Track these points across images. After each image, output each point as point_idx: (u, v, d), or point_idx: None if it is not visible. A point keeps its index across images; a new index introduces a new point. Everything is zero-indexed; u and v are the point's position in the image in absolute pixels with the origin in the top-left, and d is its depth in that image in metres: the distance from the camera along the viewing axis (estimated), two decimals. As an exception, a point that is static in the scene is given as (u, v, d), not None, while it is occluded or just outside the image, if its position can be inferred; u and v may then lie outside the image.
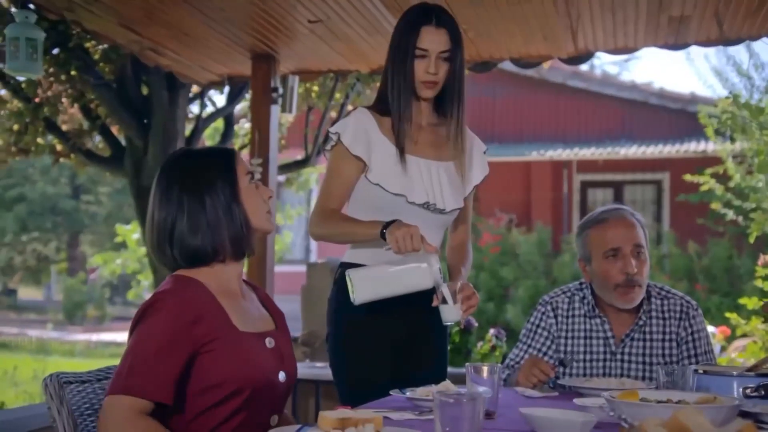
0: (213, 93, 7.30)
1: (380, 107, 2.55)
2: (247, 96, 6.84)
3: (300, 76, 5.45)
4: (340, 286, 2.50)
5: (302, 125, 7.75)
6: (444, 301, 2.25)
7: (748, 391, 2.06)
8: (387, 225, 2.30)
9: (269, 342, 2.02)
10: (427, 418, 1.88)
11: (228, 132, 7.28)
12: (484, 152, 2.74)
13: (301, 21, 4.37)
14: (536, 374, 2.44)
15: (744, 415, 1.85)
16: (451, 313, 2.27)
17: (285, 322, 2.15)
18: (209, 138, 8.95)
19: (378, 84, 2.85)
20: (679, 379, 2.18)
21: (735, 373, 2.18)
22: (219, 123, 7.81)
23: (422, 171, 2.51)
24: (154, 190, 2.00)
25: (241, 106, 7.62)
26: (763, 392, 2.04)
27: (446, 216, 2.55)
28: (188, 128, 6.84)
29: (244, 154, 6.38)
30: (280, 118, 5.34)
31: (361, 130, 2.49)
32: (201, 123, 6.93)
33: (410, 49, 2.47)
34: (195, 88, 6.68)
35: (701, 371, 2.20)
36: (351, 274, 2.30)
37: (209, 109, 7.24)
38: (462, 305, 2.28)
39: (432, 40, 2.47)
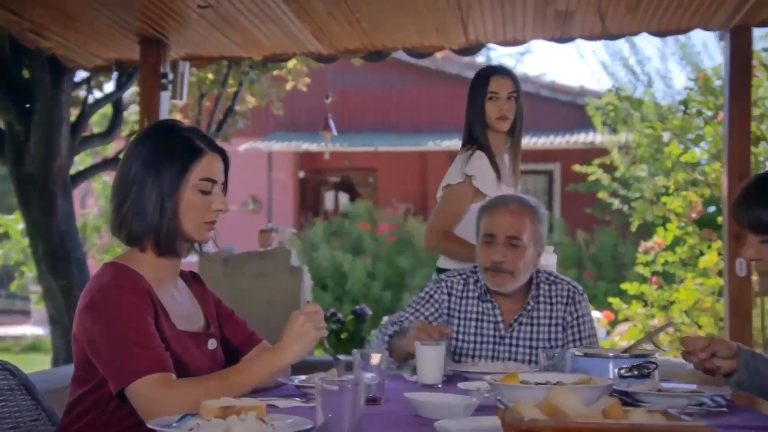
0: (101, 78, 7.05)
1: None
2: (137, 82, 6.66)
3: (191, 63, 5.34)
4: None
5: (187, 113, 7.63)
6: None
7: (622, 371, 2.15)
8: None
9: (212, 344, 2.04)
10: (313, 405, 1.88)
11: (117, 118, 7.07)
12: None
13: (190, 6, 4.28)
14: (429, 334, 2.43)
15: (622, 394, 1.92)
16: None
17: (215, 316, 2.13)
18: (97, 125, 8.68)
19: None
20: (560, 362, 2.25)
21: (611, 354, 2.28)
22: (107, 109, 7.58)
23: None
24: (126, 148, 2.01)
25: (130, 92, 7.41)
26: (636, 372, 2.14)
27: None
28: (74, 114, 6.61)
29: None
30: (171, 105, 5.22)
31: (487, 171, 3.21)
32: (88, 109, 6.70)
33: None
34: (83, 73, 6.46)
35: (580, 354, 2.28)
36: None
37: (97, 94, 7.02)
38: None
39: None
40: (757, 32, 4.99)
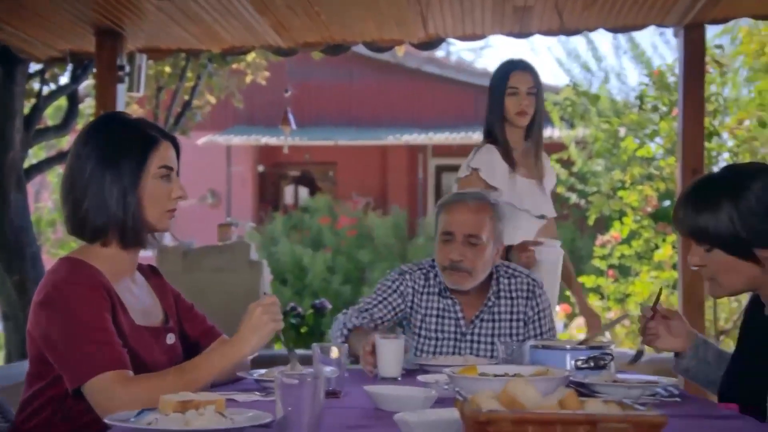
0: (56, 70, 6.93)
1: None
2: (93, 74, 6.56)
3: (149, 55, 5.28)
4: None
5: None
6: None
7: (579, 363, 2.18)
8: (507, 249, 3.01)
9: (170, 338, 2.03)
10: (272, 398, 1.87)
11: (72, 111, 6.96)
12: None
13: (148, -3, 4.23)
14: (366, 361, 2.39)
15: (578, 385, 1.95)
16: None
17: (174, 311, 2.12)
18: (51, 117, 8.53)
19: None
20: (517, 354, 2.28)
21: (568, 347, 2.31)
22: (62, 101, 7.46)
23: (533, 190, 3.31)
24: (73, 145, 1.98)
25: (86, 84, 7.30)
26: (592, 363, 2.17)
27: (545, 221, 3.36)
28: (28, 106, 6.49)
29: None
30: (127, 98, 5.17)
31: (496, 163, 3.24)
32: (42, 101, 6.59)
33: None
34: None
35: (537, 346, 2.31)
36: None
37: (52, 86, 6.89)
38: None
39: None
40: (710, 30, 5.08)
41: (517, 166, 3.30)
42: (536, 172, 3.37)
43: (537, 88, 3.30)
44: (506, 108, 3.29)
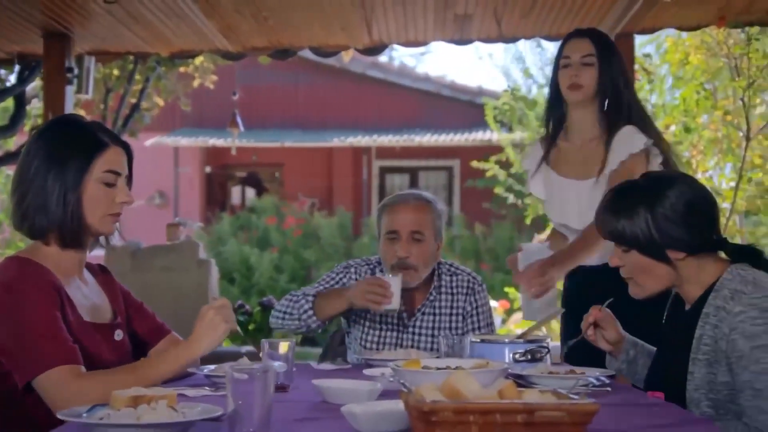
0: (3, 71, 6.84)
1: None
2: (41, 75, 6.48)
3: (97, 58, 5.26)
4: None
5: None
6: None
7: (517, 356, 2.29)
8: None
9: (118, 335, 2.04)
10: (222, 393, 1.91)
11: (19, 113, 6.86)
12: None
13: (96, 0, 4.23)
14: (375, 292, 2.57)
15: (516, 377, 2.05)
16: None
17: (123, 308, 2.14)
18: (-2, 119, 8.40)
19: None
20: (459, 348, 2.37)
21: (506, 341, 2.42)
22: (9, 102, 7.35)
23: (564, 191, 2.81)
24: (27, 142, 2.00)
25: (33, 86, 7.20)
26: (529, 356, 2.28)
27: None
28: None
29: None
30: (76, 99, 5.14)
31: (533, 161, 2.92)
32: (-13, 102, 6.50)
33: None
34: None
35: (478, 340, 2.41)
36: None
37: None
38: None
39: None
40: (638, 39, 5.28)
41: (558, 163, 2.85)
42: (586, 168, 2.73)
43: (600, 58, 2.66)
44: (560, 83, 2.73)
